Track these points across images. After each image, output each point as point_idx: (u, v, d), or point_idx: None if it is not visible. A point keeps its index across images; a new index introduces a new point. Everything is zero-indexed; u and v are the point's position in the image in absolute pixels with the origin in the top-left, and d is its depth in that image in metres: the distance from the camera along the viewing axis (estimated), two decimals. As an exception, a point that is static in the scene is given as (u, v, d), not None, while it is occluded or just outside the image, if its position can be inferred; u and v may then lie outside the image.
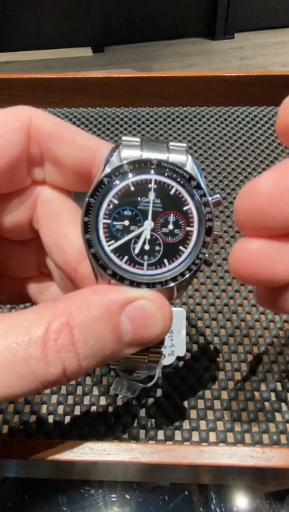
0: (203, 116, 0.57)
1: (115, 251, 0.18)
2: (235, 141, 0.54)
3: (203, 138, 0.54)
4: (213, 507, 0.36)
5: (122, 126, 0.56)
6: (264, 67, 2.21)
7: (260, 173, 0.49)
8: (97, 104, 0.58)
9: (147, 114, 0.57)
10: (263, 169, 0.50)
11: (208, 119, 0.57)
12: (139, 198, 0.18)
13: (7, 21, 2.26)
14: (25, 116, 0.19)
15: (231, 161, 0.51)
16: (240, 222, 0.16)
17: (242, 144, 0.53)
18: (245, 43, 2.44)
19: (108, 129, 0.55)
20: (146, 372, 0.31)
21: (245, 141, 0.53)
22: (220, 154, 0.52)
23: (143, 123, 0.56)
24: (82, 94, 0.58)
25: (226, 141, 0.54)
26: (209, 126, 0.56)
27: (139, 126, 0.56)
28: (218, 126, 0.56)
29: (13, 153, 0.19)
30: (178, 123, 0.56)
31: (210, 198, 0.18)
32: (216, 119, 0.57)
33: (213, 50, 2.42)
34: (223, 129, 0.55)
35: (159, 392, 0.32)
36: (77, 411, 0.31)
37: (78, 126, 0.55)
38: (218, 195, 0.19)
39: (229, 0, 2.35)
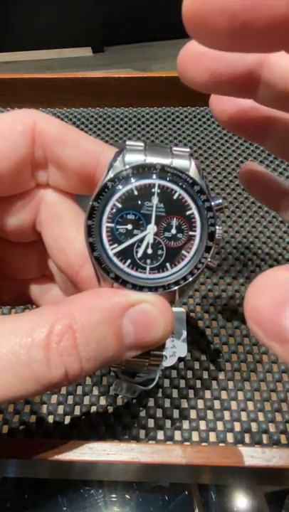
0: (203, 117, 0.57)
1: (118, 254, 0.18)
2: (235, 141, 0.54)
3: (203, 138, 0.54)
4: (213, 507, 0.36)
5: (121, 126, 0.56)
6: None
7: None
8: (97, 104, 0.58)
9: (147, 114, 0.57)
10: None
11: (208, 119, 0.57)
12: (142, 202, 0.18)
13: (7, 21, 2.26)
14: (29, 119, 0.19)
15: (231, 161, 0.51)
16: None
17: (242, 144, 0.53)
18: (244, 42, 2.44)
19: (108, 129, 0.55)
20: (147, 375, 0.31)
21: (245, 141, 0.54)
22: (220, 154, 0.52)
23: (143, 123, 0.56)
24: (82, 94, 0.58)
25: (226, 141, 0.54)
26: (209, 126, 0.56)
27: (139, 126, 0.56)
28: (218, 126, 0.56)
29: (17, 156, 0.19)
30: (178, 123, 0.56)
31: (213, 203, 0.19)
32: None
33: (212, 49, 2.42)
34: (223, 129, 0.55)
35: (159, 392, 0.32)
36: (77, 411, 0.31)
37: (78, 126, 0.55)
38: (220, 200, 0.19)
39: None
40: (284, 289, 0.13)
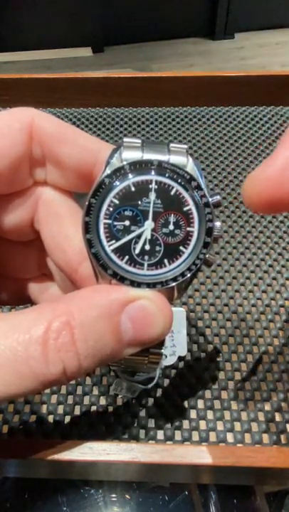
0: (203, 117, 0.57)
1: (116, 251, 0.18)
2: (235, 141, 0.54)
3: (203, 138, 0.54)
4: (213, 507, 0.36)
5: (121, 126, 0.56)
6: (264, 67, 2.21)
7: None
8: (97, 104, 0.58)
9: (147, 114, 0.57)
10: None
11: (208, 119, 0.57)
12: (139, 199, 0.18)
13: (7, 21, 2.26)
14: (27, 117, 0.19)
15: (231, 161, 0.51)
16: (249, 204, 0.17)
17: (242, 144, 0.53)
18: (245, 43, 2.45)
19: (108, 129, 0.55)
20: (147, 374, 0.31)
21: (245, 141, 0.53)
22: (220, 154, 0.52)
23: (143, 123, 0.56)
24: (82, 94, 0.58)
25: (226, 141, 0.54)
26: (209, 126, 0.56)
27: (138, 126, 0.56)
28: (218, 126, 0.56)
29: (15, 154, 0.19)
30: (178, 123, 0.56)
31: (210, 199, 0.19)
32: (216, 119, 0.57)
33: (213, 50, 2.42)
34: (223, 129, 0.55)
35: (159, 392, 0.32)
36: (77, 411, 0.31)
37: (78, 126, 0.55)
38: (218, 196, 0.19)
39: (229, 0, 2.35)
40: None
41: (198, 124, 0.56)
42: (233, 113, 0.58)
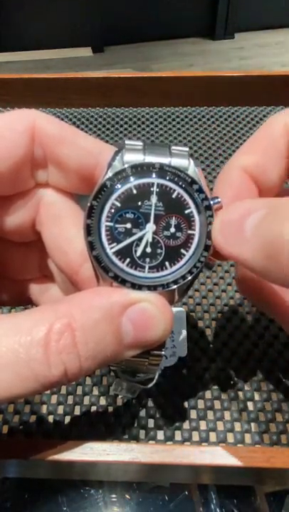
0: (203, 117, 0.57)
1: (117, 253, 0.18)
2: (236, 141, 0.54)
3: (203, 138, 0.54)
4: (213, 507, 0.36)
5: (121, 126, 0.56)
6: (264, 67, 2.21)
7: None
8: (97, 104, 0.58)
9: (147, 114, 0.57)
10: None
11: (208, 119, 0.57)
12: (141, 201, 0.18)
13: (7, 21, 2.26)
14: (29, 119, 0.20)
15: (231, 162, 0.51)
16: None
17: (242, 144, 0.53)
18: (245, 43, 2.45)
19: (108, 129, 0.55)
20: (147, 375, 0.31)
21: (245, 141, 0.53)
22: (220, 154, 0.52)
23: (143, 123, 0.56)
24: (82, 94, 0.58)
25: (226, 141, 0.54)
26: (209, 126, 0.56)
27: (139, 126, 0.56)
28: (218, 126, 0.56)
29: (17, 156, 0.19)
30: (178, 123, 0.56)
31: (211, 202, 0.19)
32: (216, 119, 0.57)
33: (213, 50, 2.43)
34: (223, 129, 0.55)
35: (159, 393, 0.32)
36: (77, 411, 0.31)
37: (78, 126, 0.55)
38: (219, 199, 0.19)
39: (229, 0, 2.35)
40: (248, 207, 0.17)
41: (199, 124, 0.56)
42: (233, 113, 0.58)
